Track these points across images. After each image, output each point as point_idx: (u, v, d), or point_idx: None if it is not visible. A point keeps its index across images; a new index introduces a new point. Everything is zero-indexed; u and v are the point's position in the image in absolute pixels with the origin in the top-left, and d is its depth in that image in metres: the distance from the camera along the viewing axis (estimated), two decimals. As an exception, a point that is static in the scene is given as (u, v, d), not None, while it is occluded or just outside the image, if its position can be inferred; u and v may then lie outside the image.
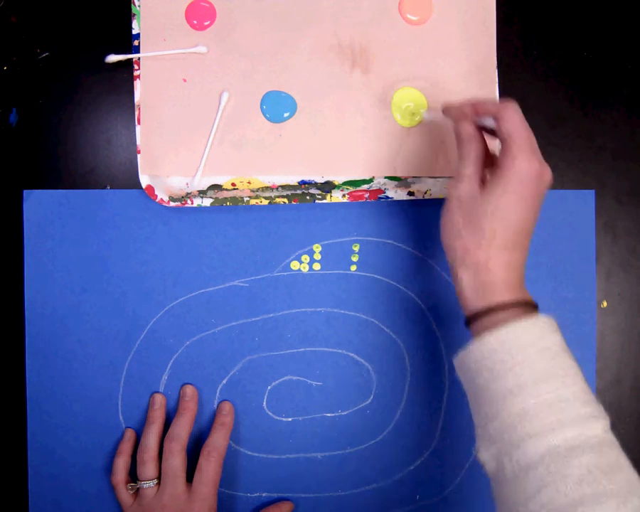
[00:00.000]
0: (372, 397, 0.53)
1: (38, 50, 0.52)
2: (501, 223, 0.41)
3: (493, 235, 0.41)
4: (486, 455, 0.39)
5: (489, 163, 0.45)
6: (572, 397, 0.38)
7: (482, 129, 0.44)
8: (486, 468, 0.40)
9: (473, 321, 0.41)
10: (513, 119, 0.41)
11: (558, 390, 0.38)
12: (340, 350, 0.53)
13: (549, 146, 0.54)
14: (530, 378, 0.38)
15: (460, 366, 0.42)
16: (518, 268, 0.42)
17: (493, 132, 0.44)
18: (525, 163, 0.40)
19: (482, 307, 0.41)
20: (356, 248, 0.53)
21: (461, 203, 0.43)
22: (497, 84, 0.52)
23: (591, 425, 0.37)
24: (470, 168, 0.43)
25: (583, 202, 0.54)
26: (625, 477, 0.36)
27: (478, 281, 0.41)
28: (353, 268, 0.53)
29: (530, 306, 0.41)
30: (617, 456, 0.37)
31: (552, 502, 0.35)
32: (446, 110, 0.46)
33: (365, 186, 0.52)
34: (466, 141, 0.44)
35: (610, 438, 0.37)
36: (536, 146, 0.42)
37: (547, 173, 0.42)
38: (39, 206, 0.52)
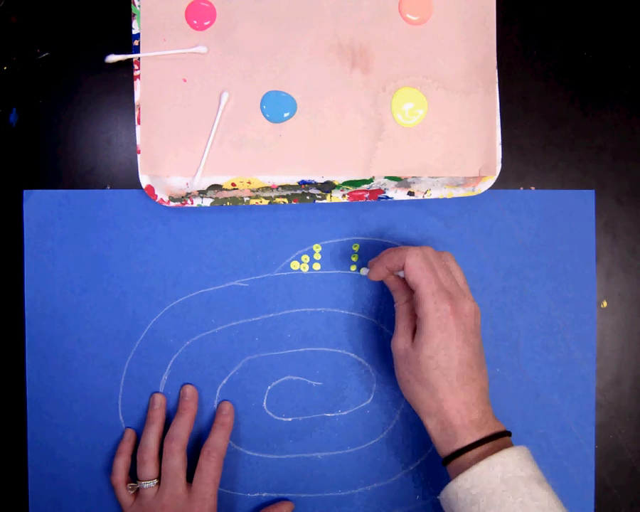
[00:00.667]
0: (372, 397, 0.53)
1: (38, 50, 0.52)
2: (442, 369, 0.42)
3: (440, 383, 0.42)
4: None
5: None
6: None
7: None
8: None
9: (447, 464, 0.43)
10: (414, 268, 0.43)
11: None
12: (340, 350, 0.53)
13: (549, 146, 0.54)
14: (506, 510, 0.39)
15: (443, 504, 0.44)
16: (479, 404, 0.43)
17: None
18: (434, 309, 0.42)
19: (449, 453, 0.43)
20: (356, 248, 0.53)
21: (401, 358, 0.45)
22: (497, 84, 0.52)
23: None
24: (401, 324, 0.46)
25: (583, 202, 0.54)
26: None
27: (443, 427, 0.43)
28: (353, 268, 0.53)
29: (500, 439, 0.42)
30: None
31: None
32: (371, 274, 0.48)
33: (365, 186, 0.52)
34: (394, 294, 0.47)
35: None
36: (445, 285, 0.43)
37: (466, 307, 0.43)
38: (39, 206, 0.52)
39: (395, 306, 0.47)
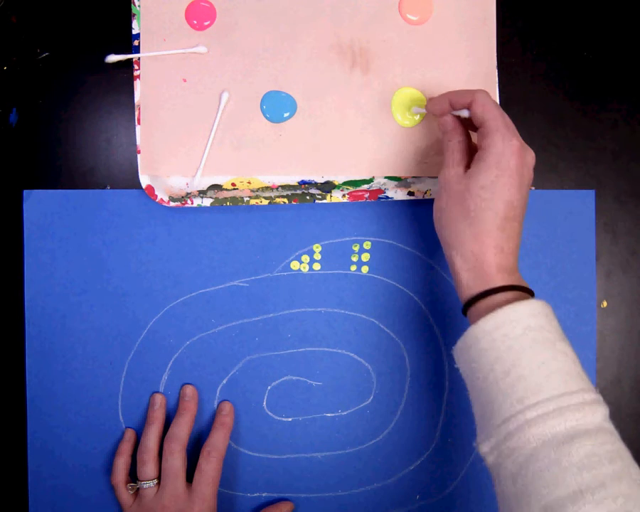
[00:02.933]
0: (372, 397, 0.53)
1: (38, 50, 0.52)
2: (488, 205, 0.41)
3: (482, 219, 0.41)
4: (485, 448, 0.39)
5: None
6: (570, 381, 0.37)
7: (466, 124, 0.46)
8: (486, 461, 0.39)
9: (470, 307, 0.42)
10: (484, 103, 0.42)
11: (556, 374, 0.37)
12: (340, 350, 0.53)
13: (549, 146, 0.54)
14: (527, 361, 0.38)
15: (458, 355, 0.42)
16: (510, 253, 0.42)
17: (472, 125, 0.45)
18: (501, 142, 0.41)
19: (477, 293, 0.41)
20: (356, 248, 0.53)
21: (449, 188, 0.43)
22: (497, 84, 0.52)
23: (590, 412, 0.36)
24: (454, 156, 0.44)
25: (583, 202, 0.54)
26: (624, 464, 0.35)
27: (472, 266, 0.42)
28: (353, 268, 0.53)
29: (525, 291, 0.41)
30: (616, 444, 0.36)
31: (553, 492, 0.35)
32: (429, 106, 0.47)
33: (365, 186, 0.52)
34: (449, 133, 0.45)
35: (609, 427, 0.37)
36: (513, 127, 0.42)
37: (529, 154, 0.43)
38: (39, 206, 0.52)
39: (445, 144, 0.45)
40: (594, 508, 0.33)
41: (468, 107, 0.43)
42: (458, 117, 0.45)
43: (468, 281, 0.42)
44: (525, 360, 0.38)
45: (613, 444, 0.36)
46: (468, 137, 0.46)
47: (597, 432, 0.36)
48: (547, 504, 0.35)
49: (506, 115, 0.43)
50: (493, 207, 0.41)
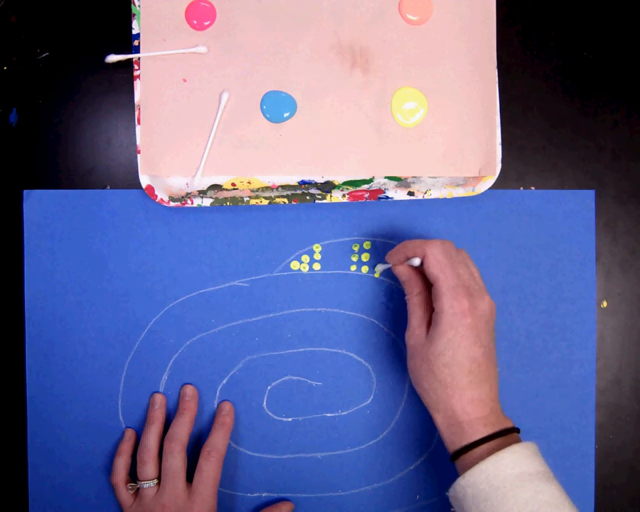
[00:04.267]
0: (372, 397, 0.53)
1: (38, 50, 0.52)
2: (452, 367, 0.42)
3: (450, 379, 0.42)
4: None
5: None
6: None
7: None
8: None
9: (455, 460, 0.43)
10: (436, 260, 0.43)
11: None
12: (340, 350, 0.53)
13: (549, 146, 0.54)
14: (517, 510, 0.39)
15: (452, 501, 0.43)
16: (488, 401, 0.43)
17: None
18: (452, 303, 0.42)
19: (458, 447, 0.43)
20: (356, 248, 0.53)
21: (414, 351, 0.45)
22: (497, 84, 0.52)
23: None
24: (416, 313, 0.45)
25: (583, 202, 0.54)
26: None
27: (451, 423, 0.43)
28: (353, 268, 0.53)
29: (509, 435, 0.42)
30: None
31: None
32: (388, 257, 0.48)
33: (365, 186, 0.52)
34: (406, 285, 0.47)
35: None
36: (466, 281, 0.43)
37: (483, 306, 0.43)
38: (39, 206, 0.52)
39: (406, 298, 0.47)
40: None
41: (421, 259, 0.44)
42: (414, 267, 0.46)
43: (451, 437, 0.43)
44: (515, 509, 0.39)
45: None
46: (427, 289, 0.46)
47: None
48: None
49: (457, 266, 0.43)
50: (457, 366, 0.42)
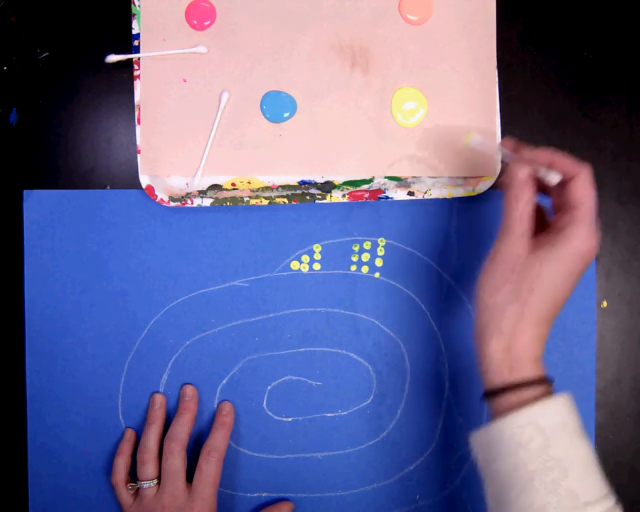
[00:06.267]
0: (372, 397, 0.53)
1: (38, 50, 0.52)
2: (544, 294, 0.39)
3: (534, 305, 0.39)
4: None
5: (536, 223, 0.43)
6: (590, 487, 0.37)
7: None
8: None
9: (496, 396, 0.40)
10: (587, 185, 0.40)
11: (578, 481, 0.37)
12: (340, 350, 0.53)
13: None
14: (552, 468, 0.37)
15: (480, 444, 0.41)
16: (543, 342, 0.41)
17: (544, 190, 0.42)
18: (586, 242, 0.39)
19: (509, 382, 0.39)
20: (356, 248, 0.53)
21: (508, 261, 0.40)
22: (497, 84, 0.52)
23: None
24: (522, 223, 0.41)
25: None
26: None
27: (509, 352, 0.40)
28: (353, 268, 0.53)
29: (549, 383, 0.40)
30: None
31: None
32: (523, 153, 0.43)
33: (365, 186, 0.52)
34: (518, 188, 0.41)
35: None
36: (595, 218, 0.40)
37: (593, 256, 0.41)
38: (39, 206, 0.52)
39: (511, 203, 0.41)
40: None
41: (567, 176, 0.40)
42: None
43: (501, 368, 0.40)
44: (548, 468, 0.37)
45: None
46: (536, 203, 0.42)
47: None
48: None
49: (595, 203, 0.40)
50: (549, 298, 0.39)
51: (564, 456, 0.37)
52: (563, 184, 0.41)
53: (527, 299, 0.39)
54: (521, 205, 0.41)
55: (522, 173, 0.41)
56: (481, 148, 0.48)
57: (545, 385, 0.40)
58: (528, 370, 0.39)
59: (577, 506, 0.36)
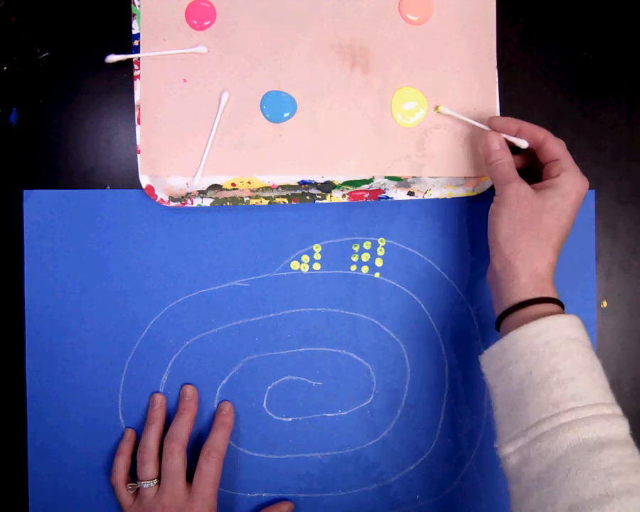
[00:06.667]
0: (372, 397, 0.53)
1: (38, 50, 0.52)
2: (557, 228, 0.45)
3: (550, 238, 0.45)
4: (509, 449, 0.40)
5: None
6: (602, 393, 0.40)
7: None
8: (506, 464, 0.41)
9: (511, 313, 0.43)
10: (558, 143, 0.47)
11: (593, 384, 0.40)
12: (340, 350, 0.53)
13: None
14: (566, 369, 0.40)
15: (492, 357, 0.43)
16: (554, 270, 0.45)
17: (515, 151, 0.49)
18: (580, 179, 0.46)
19: (533, 297, 0.43)
20: (356, 248, 0.53)
21: (520, 200, 0.45)
22: (497, 84, 0.52)
23: (618, 425, 0.39)
24: (516, 175, 0.47)
25: (583, 202, 0.54)
26: None
27: (531, 274, 0.44)
28: (353, 268, 0.53)
29: (560, 304, 0.44)
30: (639, 456, 0.38)
31: (581, 494, 0.36)
32: (493, 121, 0.50)
33: (365, 186, 0.52)
34: (499, 152, 0.48)
35: (631, 441, 0.39)
36: None
37: (587, 185, 0.47)
38: (39, 206, 0.52)
39: (493, 163, 0.48)
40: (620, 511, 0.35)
41: (539, 141, 0.48)
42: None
43: (527, 285, 0.44)
44: (565, 368, 0.40)
45: (637, 457, 0.38)
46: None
47: (625, 443, 0.38)
48: (573, 505, 0.36)
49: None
50: (561, 231, 0.45)
51: (575, 364, 0.40)
52: (538, 148, 0.48)
53: (542, 234, 0.45)
54: (506, 163, 0.48)
55: (497, 142, 0.49)
56: (454, 115, 0.51)
57: (559, 304, 0.44)
58: (550, 290, 0.44)
59: (586, 405, 0.39)
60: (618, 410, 0.40)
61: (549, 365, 0.40)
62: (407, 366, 0.53)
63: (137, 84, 0.50)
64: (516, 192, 0.46)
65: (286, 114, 0.51)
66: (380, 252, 0.53)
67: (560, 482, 0.37)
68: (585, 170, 0.54)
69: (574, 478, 0.37)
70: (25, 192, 0.52)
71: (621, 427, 0.39)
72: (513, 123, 0.49)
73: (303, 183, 0.51)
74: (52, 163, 0.52)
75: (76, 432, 0.52)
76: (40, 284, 0.52)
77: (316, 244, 0.53)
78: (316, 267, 0.53)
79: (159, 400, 0.52)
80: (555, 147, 0.47)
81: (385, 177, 0.52)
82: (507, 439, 0.41)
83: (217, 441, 0.50)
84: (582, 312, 0.53)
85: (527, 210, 0.45)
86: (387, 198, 0.52)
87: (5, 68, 0.52)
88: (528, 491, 0.39)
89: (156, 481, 0.49)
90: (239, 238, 0.53)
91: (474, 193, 0.52)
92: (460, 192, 0.52)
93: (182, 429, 0.50)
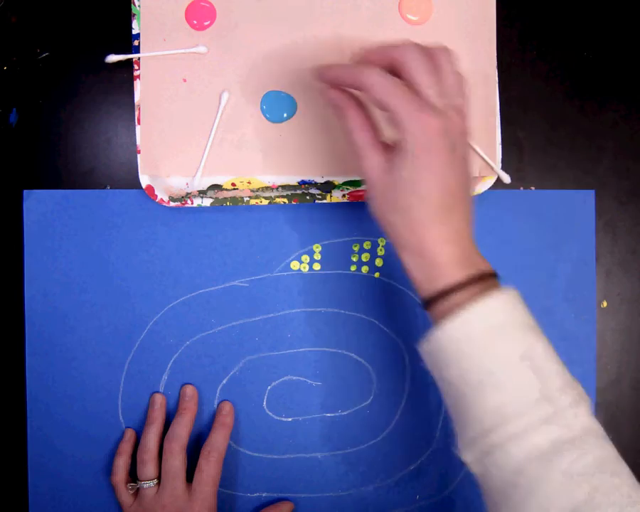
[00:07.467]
0: (372, 397, 0.53)
1: (38, 50, 0.52)
2: (420, 197, 0.36)
3: (417, 212, 0.37)
4: (468, 457, 0.37)
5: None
6: (547, 383, 0.35)
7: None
8: (471, 469, 0.38)
9: (430, 307, 0.38)
10: (377, 87, 0.36)
11: (532, 378, 0.35)
12: (340, 350, 0.53)
13: (549, 146, 0.54)
14: (499, 367, 0.35)
15: (424, 355, 0.39)
16: (461, 239, 0.38)
17: None
18: (412, 124, 0.36)
19: (434, 292, 0.37)
20: (356, 248, 0.53)
21: (375, 182, 0.38)
22: (497, 84, 0.52)
23: (572, 416, 0.35)
24: (365, 142, 0.39)
25: (583, 202, 0.54)
26: (614, 470, 0.35)
27: (421, 264, 0.37)
28: (353, 268, 0.53)
29: (487, 279, 0.37)
30: (604, 448, 0.35)
31: (544, 508, 0.33)
32: (319, 73, 0.41)
33: (365, 186, 0.52)
34: (338, 108, 0.40)
35: (593, 425, 0.35)
36: (432, 95, 0.37)
37: (453, 125, 0.37)
38: (39, 206, 0.52)
39: (346, 125, 0.40)
40: None
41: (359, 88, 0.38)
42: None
43: (421, 281, 0.38)
44: (497, 366, 0.35)
45: (601, 449, 0.35)
46: (364, 106, 0.40)
47: (583, 437, 0.34)
48: None
49: (417, 77, 0.37)
50: (427, 200, 0.36)
51: (510, 360, 0.35)
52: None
53: (405, 210, 0.37)
54: (353, 121, 0.39)
55: (330, 95, 0.40)
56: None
57: (477, 283, 0.37)
58: (449, 274, 0.37)
59: (533, 402, 0.34)
60: (567, 397, 0.35)
61: (481, 366, 0.35)
62: (407, 366, 0.53)
63: (137, 84, 0.50)
64: (367, 173, 0.38)
65: (286, 114, 0.51)
66: (380, 252, 0.53)
67: (523, 499, 0.34)
68: (585, 170, 0.55)
69: (535, 494, 0.33)
70: (25, 192, 0.52)
71: (575, 418, 0.34)
72: (332, 73, 0.39)
73: (303, 183, 0.51)
74: (52, 163, 0.52)
75: (76, 432, 0.52)
76: (40, 284, 0.52)
77: (316, 244, 0.53)
78: (316, 267, 0.53)
79: (159, 399, 0.52)
80: (374, 95, 0.36)
81: (385, 177, 0.52)
82: (463, 445, 0.38)
83: (217, 441, 0.50)
84: (582, 312, 0.54)
85: (381, 191, 0.38)
86: (387, 198, 0.52)
87: (5, 68, 0.52)
88: (495, 505, 0.36)
89: (156, 481, 0.49)
90: (239, 238, 0.53)
91: (474, 193, 0.52)
92: (460, 192, 0.52)
93: (182, 429, 0.50)
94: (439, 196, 0.37)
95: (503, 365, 0.35)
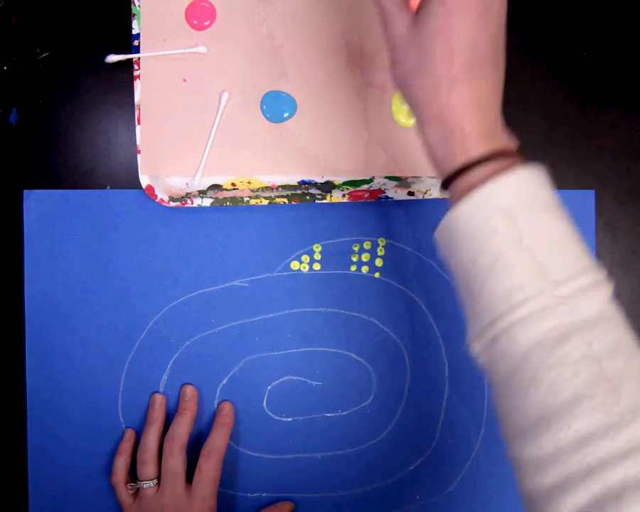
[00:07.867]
0: (372, 397, 0.53)
1: (38, 50, 0.52)
2: (446, 50, 0.33)
3: (443, 69, 0.34)
4: (477, 347, 0.35)
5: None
6: (562, 265, 0.33)
7: None
8: (479, 361, 0.36)
9: (449, 186, 0.35)
10: None
11: (546, 259, 0.32)
12: (340, 350, 0.53)
13: (549, 146, 0.54)
14: (511, 248, 0.32)
15: (439, 242, 0.37)
16: (490, 108, 0.35)
17: None
18: None
19: (456, 166, 0.35)
20: (356, 248, 0.53)
21: (399, 41, 0.36)
22: (497, 84, 0.52)
23: (585, 300, 0.32)
24: (389, 1, 0.36)
25: (583, 202, 0.54)
26: (626, 357, 0.32)
27: (444, 134, 0.35)
28: (353, 268, 0.53)
29: (511, 155, 0.35)
30: (616, 332, 0.33)
31: (549, 401, 0.31)
32: None
33: (365, 186, 0.52)
34: None
35: (608, 312, 0.33)
36: None
37: None
38: (39, 206, 0.52)
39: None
40: (588, 418, 0.30)
41: None
42: None
43: (442, 158, 0.35)
44: (510, 247, 0.32)
45: (613, 333, 0.32)
46: None
47: (595, 322, 0.32)
48: (541, 415, 0.31)
49: None
50: (455, 54, 0.33)
51: (527, 236, 0.32)
52: None
53: (430, 67, 0.34)
54: None
55: None
56: None
57: (501, 159, 0.34)
58: (473, 146, 0.34)
59: (546, 285, 0.32)
60: (583, 280, 0.32)
61: (494, 246, 0.32)
62: (407, 366, 0.53)
63: (137, 84, 0.50)
64: (393, 31, 0.36)
65: (286, 114, 0.51)
66: (380, 252, 0.53)
67: (527, 388, 0.31)
68: (585, 170, 0.55)
69: (539, 383, 0.31)
70: (25, 192, 0.52)
71: (588, 302, 0.32)
72: None
73: (303, 183, 0.51)
74: (52, 163, 0.52)
75: (76, 432, 0.52)
76: (40, 284, 0.52)
77: (316, 244, 0.53)
78: (316, 267, 0.53)
79: (159, 400, 0.52)
80: None
81: (385, 177, 0.52)
82: (472, 337, 0.35)
83: (217, 441, 0.50)
84: (582, 312, 0.54)
85: (406, 52, 0.35)
86: (387, 197, 0.52)
87: (5, 68, 0.52)
88: (500, 394, 0.34)
89: (156, 481, 0.49)
90: (239, 238, 0.53)
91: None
92: (460, 192, 0.52)
93: (182, 429, 0.50)
94: (467, 52, 0.34)
95: (515, 246, 0.32)
